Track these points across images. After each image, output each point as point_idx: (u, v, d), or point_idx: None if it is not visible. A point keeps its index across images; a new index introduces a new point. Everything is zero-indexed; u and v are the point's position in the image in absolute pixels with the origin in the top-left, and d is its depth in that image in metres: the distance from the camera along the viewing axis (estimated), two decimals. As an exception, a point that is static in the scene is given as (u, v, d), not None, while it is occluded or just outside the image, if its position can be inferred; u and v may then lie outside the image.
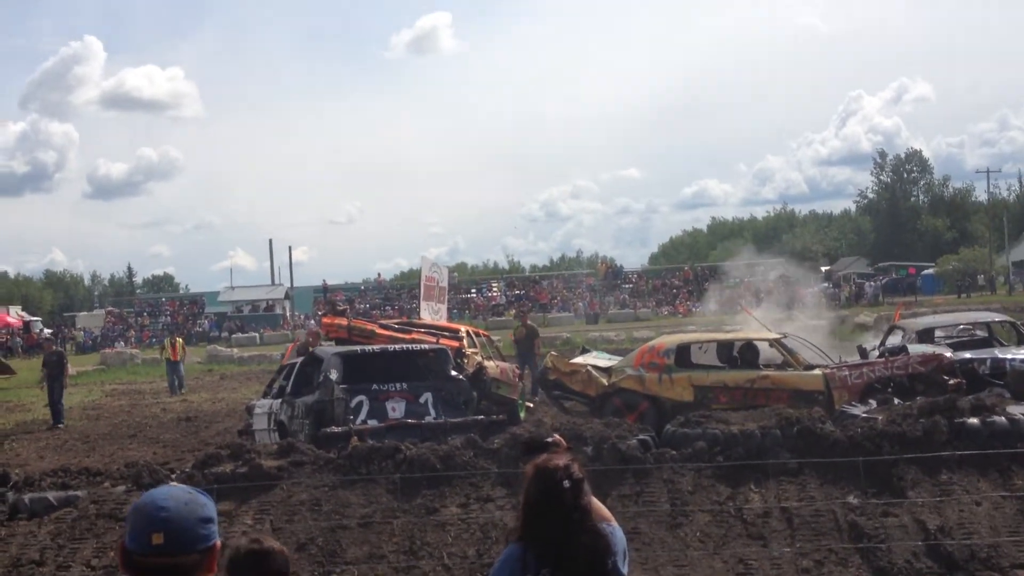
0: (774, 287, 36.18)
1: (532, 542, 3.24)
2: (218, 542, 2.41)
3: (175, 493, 2.40)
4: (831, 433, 8.65)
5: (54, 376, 19.74)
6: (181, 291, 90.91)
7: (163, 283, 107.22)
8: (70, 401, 24.33)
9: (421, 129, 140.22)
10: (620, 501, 8.05)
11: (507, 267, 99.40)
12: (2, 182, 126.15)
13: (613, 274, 63.55)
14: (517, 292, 62.07)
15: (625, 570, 3.33)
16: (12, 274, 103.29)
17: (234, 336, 52.10)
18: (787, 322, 28.28)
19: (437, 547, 7.95)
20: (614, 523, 3.56)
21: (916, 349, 14.31)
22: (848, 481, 8.21)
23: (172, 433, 17.38)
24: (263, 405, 13.76)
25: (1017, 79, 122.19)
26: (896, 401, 10.83)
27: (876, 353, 15.06)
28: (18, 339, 53.54)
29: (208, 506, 2.42)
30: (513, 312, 23.79)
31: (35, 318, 66.10)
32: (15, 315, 59.73)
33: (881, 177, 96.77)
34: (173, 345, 26.28)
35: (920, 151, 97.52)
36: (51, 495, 8.69)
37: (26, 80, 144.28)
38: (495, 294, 62.21)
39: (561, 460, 3.37)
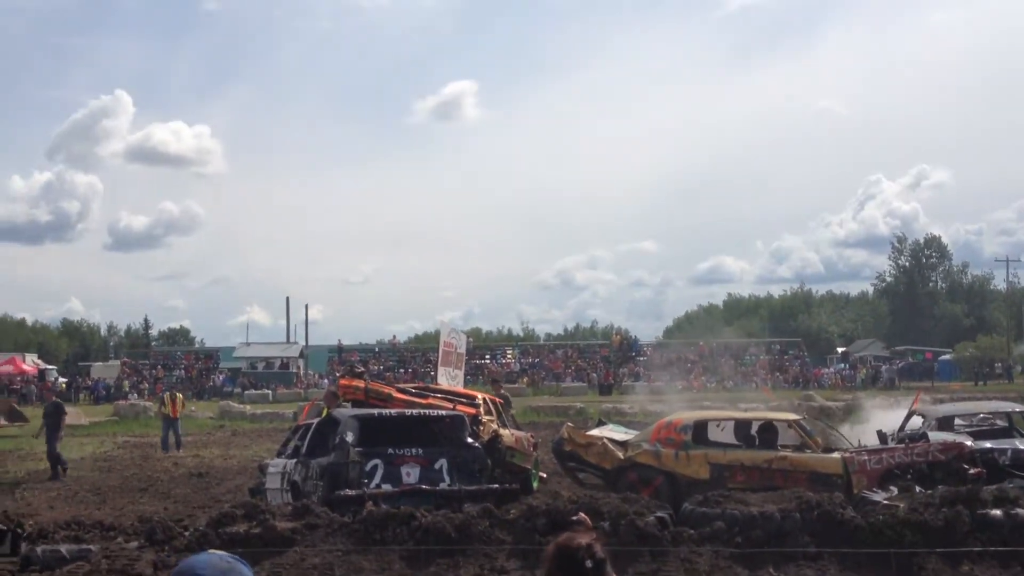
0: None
1: None
2: None
3: (214, 562, 2.40)
4: (852, 519, 8.56)
5: (52, 427, 19.69)
6: (196, 345, 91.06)
7: (179, 336, 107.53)
8: (82, 452, 24.32)
9: (440, 194, 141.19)
10: (636, 579, 7.96)
11: (521, 334, 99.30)
12: (24, 230, 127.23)
13: (627, 346, 63.42)
14: (532, 360, 62.00)
15: None
16: (29, 321, 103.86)
17: (247, 392, 52.06)
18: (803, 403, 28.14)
19: (449, 618, 7.86)
20: None
21: (936, 436, 14.19)
22: (869, 569, 8.09)
23: (183, 488, 17.30)
24: (277, 464, 13.72)
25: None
26: (917, 489, 10.71)
27: (895, 439, 14.94)
28: (33, 387, 53.66)
29: (245, 572, 2.43)
30: (492, 383, 23.11)
31: (51, 366, 66.30)
32: (31, 363, 59.89)
33: (899, 261, 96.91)
34: (173, 400, 25.31)
35: (939, 237, 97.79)
36: (64, 548, 8.66)
37: (55, 131, 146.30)
38: (509, 360, 62.13)
39: (584, 539, 3.36)
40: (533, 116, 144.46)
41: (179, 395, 26.74)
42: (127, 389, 53.20)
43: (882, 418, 18.86)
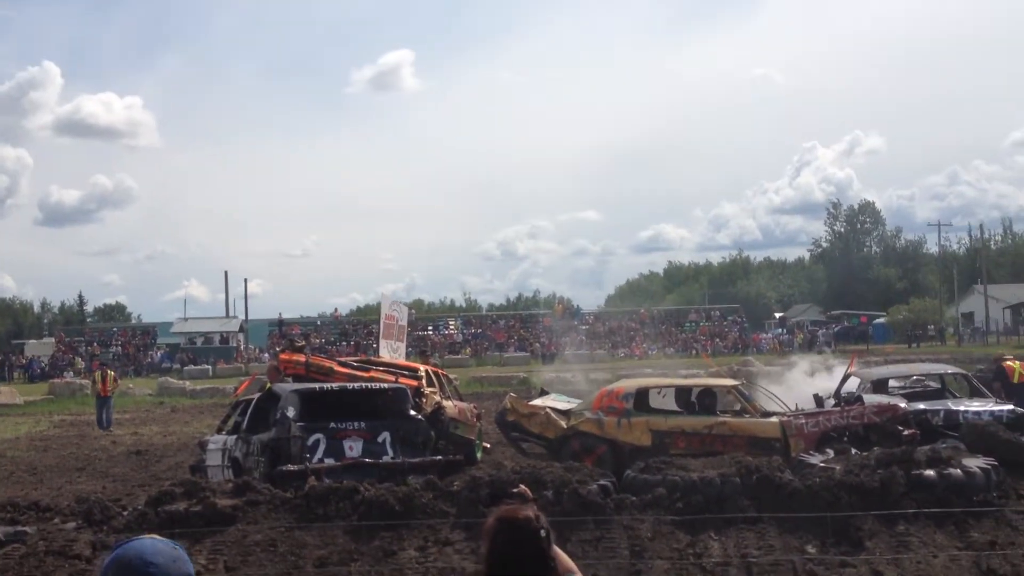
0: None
1: None
2: None
3: (161, 548, 2.34)
4: (790, 482, 8.70)
5: None
6: (133, 321, 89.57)
7: (115, 312, 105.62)
8: (17, 431, 23.86)
9: (379, 165, 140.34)
10: (580, 547, 8.01)
11: (464, 305, 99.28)
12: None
13: (570, 315, 63.72)
14: (475, 330, 62.03)
15: None
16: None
17: (186, 368, 51.41)
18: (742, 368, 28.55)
19: (394, 591, 7.85)
20: (577, 573, 3.53)
21: (871, 399, 14.47)
22: (807, 530, 8.24)
23: (122, 467, 17.06)
24: (217, 441, 13.57)
25: (967, 135, 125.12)
26: (853, 451, 10.92)
27: (831, 402, 15.21)
28: (-37, 366, 52.41)
29: (188, 562, 2.38)
30: (419, 354, 22.87)
31: (-18, 345, 64.82)
32: (-39, 341, 58.48)
33: (835, 227, 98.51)
34: (104, 378, 24.82)
35: (873, 203, 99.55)
36: (-1, 530, 8.46)
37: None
38: (452, 332, 62.11)
39: (527, 511, 3.33)
40: (472, 86, 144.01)
41: (111, 372, 25.98)
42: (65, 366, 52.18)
43: (810, 382, 19.20)
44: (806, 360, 25.09)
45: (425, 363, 19.11)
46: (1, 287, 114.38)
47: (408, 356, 22.47)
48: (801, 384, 18.64)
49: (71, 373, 48.01)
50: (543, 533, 3.21)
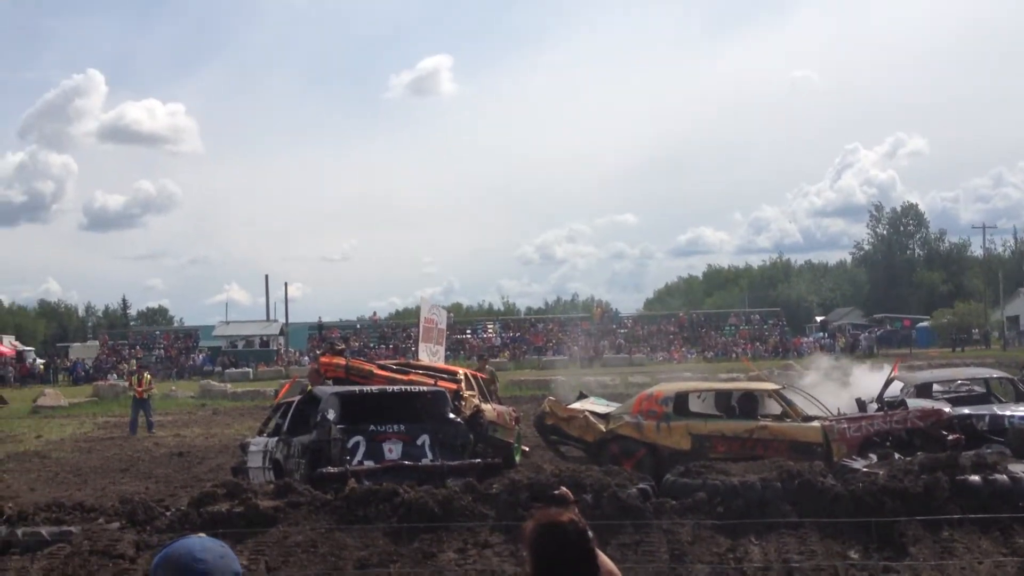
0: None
1: None
2: None
3: (209, 545, 2.37)
4: (833, 487, 8.61)
5: None
6: (175, 324, 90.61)
7: (157, 316, 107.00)
8: (62, 433, 24.21)
9: (417, 170, 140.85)
10: (619, 551, 7.98)
11: (502, 308, 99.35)
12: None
13: (608, 318, 63.58)
14: (513, 334, 62.05)
15: None
16: (6, 303, 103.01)
17: (227, 371, 51.90)
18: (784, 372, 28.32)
19: (434, 593, 7.87)
20: None
21: (915, 403, 14.30)
22: (850, 535, 8.15)
23: (164, 468, 17.26)
24: (259, 443, 13.68)
25: (1012, 137, 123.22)
26: (896, 456, 10.78)
27: (874, 406, 15.04)
28: (11, 368, 53.31)
29: (236, 560, 2.40)
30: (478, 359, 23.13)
31: (29, 348, 65.85)
32: (8, 344, 59.42)
33: (877, 230, 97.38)
34: (139, 380, 24.38)
35: (916, 205, 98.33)
36: (45, 530, 8.58)
37: (27, 111, 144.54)
38: (490, 335, 62.16)
39: (569, 515, 3.33)
40: (510, 90, 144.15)
41: (147, 375, 25.28)
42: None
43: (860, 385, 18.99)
44: (824, 359, 24.87)
45: (482, 368, 19.25)
46: (47, 291, 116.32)
47: (449, 360, 22.53)
48: (843, 388, 18.44)
49: (115, 376, 48.61)
50: (590, 535, 3.21)
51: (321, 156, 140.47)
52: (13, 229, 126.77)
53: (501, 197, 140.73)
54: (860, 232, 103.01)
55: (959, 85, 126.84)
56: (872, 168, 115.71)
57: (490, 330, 63.66)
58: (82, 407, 33.48)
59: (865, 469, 9.78)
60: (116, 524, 8.81)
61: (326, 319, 65.99)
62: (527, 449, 16.77)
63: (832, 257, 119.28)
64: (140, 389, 24.13)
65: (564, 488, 3.71)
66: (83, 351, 63.89)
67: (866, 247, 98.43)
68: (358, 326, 65.78)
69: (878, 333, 60.02)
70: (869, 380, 19.43)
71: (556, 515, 3.30)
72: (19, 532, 8.55)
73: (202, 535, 2.45)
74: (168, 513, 9.04)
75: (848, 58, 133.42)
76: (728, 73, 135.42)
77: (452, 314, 53.68)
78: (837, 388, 17.97)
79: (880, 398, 15.90)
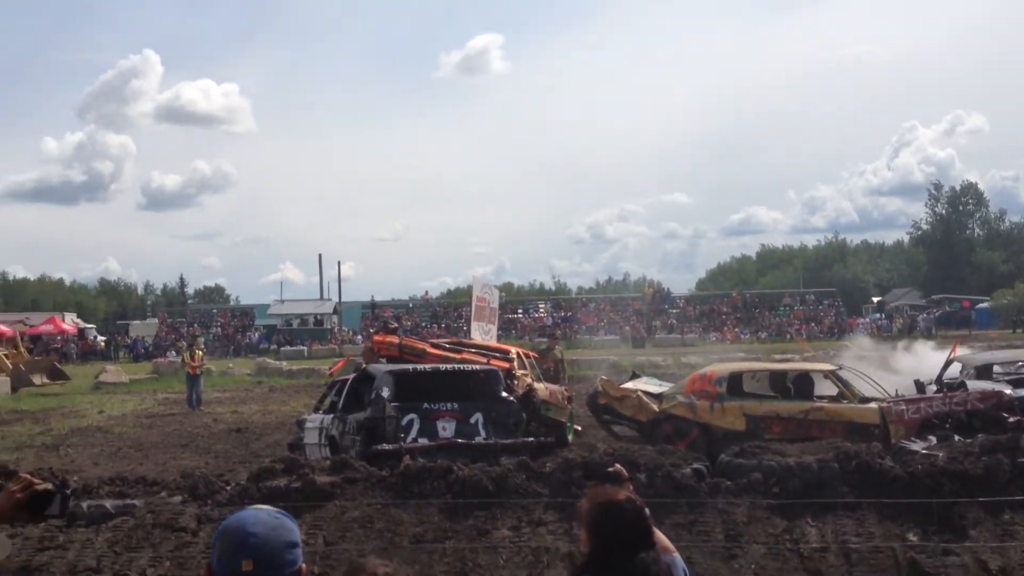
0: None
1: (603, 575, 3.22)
2: (303, 566, 2.42)
3: (263, 517, 2.40)
4: (891, 469, 8.51)
5: None
6: (231, 303, 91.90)
7: (214, 294, 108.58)
8: (123, 409, 24.71)
9: (468, 149, 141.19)
10: (674, 530, 7.96)
11: (553, 288, 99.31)
12: (59, 191, 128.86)
13: (660, 298, 63.29)
14: (564, 313, 62.02)
15: None
16: (68, 281, 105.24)
17: (283, 349, 52.55)
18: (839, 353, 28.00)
19: (488, 569, 7.92)
20: (676, 553, 3.57)
21: (975, 385, 14.07)
22: (908, 518, 8.06)
23: (223, 444, 17.55)
24: (314, 420, 13.85)
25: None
26: (956, 438, 10.63)
27: (933, 388, 14.83)
28: (73, 346, 54.47)
29: (294, 530, 2.43)
30: (548, 337, 23.04)
31: (90, 325, 67.24)
32: (70, 322, 60.73)
33: (936, 209, 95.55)
34: (192, 356, 24.66)
35: (975, 184, 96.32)
36: (109, 503, 8.77)
37: (85, 92, 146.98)
38: (542, 315, 62.19)
39: (626, 493, 3.37)
40: (560, 68, 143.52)
41: (199, 351, 25.28)
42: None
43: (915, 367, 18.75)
44: (863, 341, 24.59)
45: (552, 348, 19.24)
46: (107, 269, 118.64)
47: (500, 340, 22.59)
48: (904, 370, 18.21)
49: (174, 353, 49.51)
50: (647, 512, 3.24)
51: (372, 136, 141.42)
52: (73, 208, 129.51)
53: (552, 176, 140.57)
54: (918, 211, 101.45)
55: (1020, 61, 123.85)
56: (930, 146, 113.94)
57: (541, 310, 63.71)
58: (142, 384, 34.12)
59: (924, 451, 9.65)
60: (178, 498, 8.98)
61: (378, 298, 66.55)
62: (579, 428, 16.78)
63: (889, 237, 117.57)
64: (194, 365, 24.44)
65: (618, 466, 3.73)
66: (142, 329, 65.10)
67: (924, 227, 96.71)
68: (410, 305, 66.27)
69: (936, 314, 59.04)
70: (911, 362, 19.24)
71: (614, 494, 3.35)
72: (84, 505, 8.75)
73: (260, 507, 2.49)
74: (228, 488, 9.19)
75: (906, 34, 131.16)
76: (784, 48, 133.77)
77: (503, 294, 53.73)
78: (880, 370, 17.72)
79: (939, 380, 15.70)
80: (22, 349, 36.65)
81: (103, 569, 8.00)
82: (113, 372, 35.85)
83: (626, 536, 3.20)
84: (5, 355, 33.04)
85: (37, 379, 32.36)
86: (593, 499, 3.37)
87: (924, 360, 19.68)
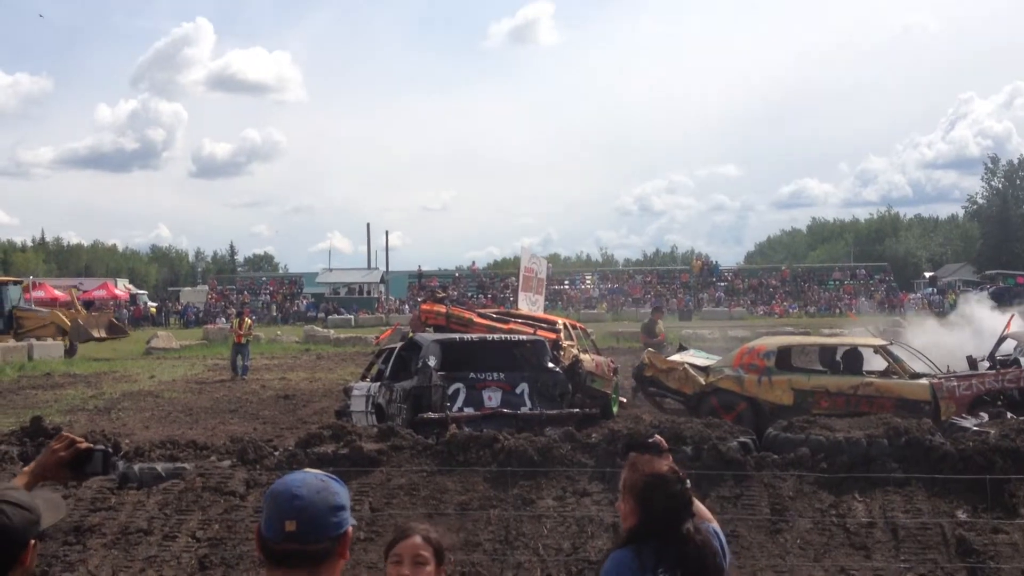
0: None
1: (646, 546, 3.26)
2: (350, 528, 2.44)
3: (309, 480, 2.42)
4: (941, 445, 8.39)
5: None
6: (280, 271, 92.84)
7: (263, 262, 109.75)
8: (173, 374, 25.12)
9: (517, 119, 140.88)
10: (719, 503, 7.94)
11: (600, 260, 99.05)
12: (112, 158, 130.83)
13: (708, 271, 62.85)
14: (611, 285, 61.85)
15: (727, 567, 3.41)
16: (120, 248, 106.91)
17: (330, 317, 53.02)
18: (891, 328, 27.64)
19: (532, 538, 7.95)
20: (715, 523, 3.61)
21: (1029, 362, 13.83)
22: (957, 495, 7.95)
23: (271, 410, 17.78)
24: (361, 387, 13.97)
25: None
26: (1008, 415, 10.46)
27: (986, 364, 14.60)
28: (125, 311, 55.39)
29: (340, 494, 2.44)
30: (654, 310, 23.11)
31: (141, 291, 68.33)
32: (123, 287, 61.78)
33: (992, 183, 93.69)
34: (240, 324, 24.83)
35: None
36: (160, 466, 8.92)
37: (139, 60, 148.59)
38: (588, 287, 62.09)
39: (668, 465, 3.44)
40: (610, 39, 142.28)
41: (247, 320, 25.53)
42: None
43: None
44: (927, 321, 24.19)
45: (656, 322, 19.37)
46: (158, 236, 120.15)
47: (547, 310, 22.57)
48: (955, 347, 17.93)
49: (224, 319, 50.17)
50: (688, 483, 3.33)
51: (421, 105, 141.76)
52: (127, 175, 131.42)
53: (600, 147, 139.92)
54: (973, 185, 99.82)
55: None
56: (987, 119, 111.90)
57: (588, 281, 63.59)
58: (192, 349, 34.64)
59: (975, 428, 9.51)
60: (227, 462, 9.11)
61: (425, 268, 66.84)
62: (624, 400, 16.76)
63: (943, 211, 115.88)
64: (240, 333, 24.72)
65: (658, 436, 3.75)
66: (193, 295, 66.03)
67: (980, 201, 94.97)
68: (457, 275, 66.41)
69: (991, 290, 57.99)
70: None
71: (659, 466, 3.42)
72: (136, 468, 8.91)
73: (308, 470, 2.50)
74: (276, 453, 9.30)
75: (964, 3, 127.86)
76: (838, 18, 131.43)
77: (551, 265, 53.73)
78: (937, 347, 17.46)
79: (992, 356, 15.43)
80: (79, 307, 37.13)
81: (153, 531, 8.15)
82: (164, 338, 36.42)
83: (671, 506, 3.28)
84: (63, 314, 33.57)
85: (96, 332, 32.55)
86: (637, 470, 3.43)
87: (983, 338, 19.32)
